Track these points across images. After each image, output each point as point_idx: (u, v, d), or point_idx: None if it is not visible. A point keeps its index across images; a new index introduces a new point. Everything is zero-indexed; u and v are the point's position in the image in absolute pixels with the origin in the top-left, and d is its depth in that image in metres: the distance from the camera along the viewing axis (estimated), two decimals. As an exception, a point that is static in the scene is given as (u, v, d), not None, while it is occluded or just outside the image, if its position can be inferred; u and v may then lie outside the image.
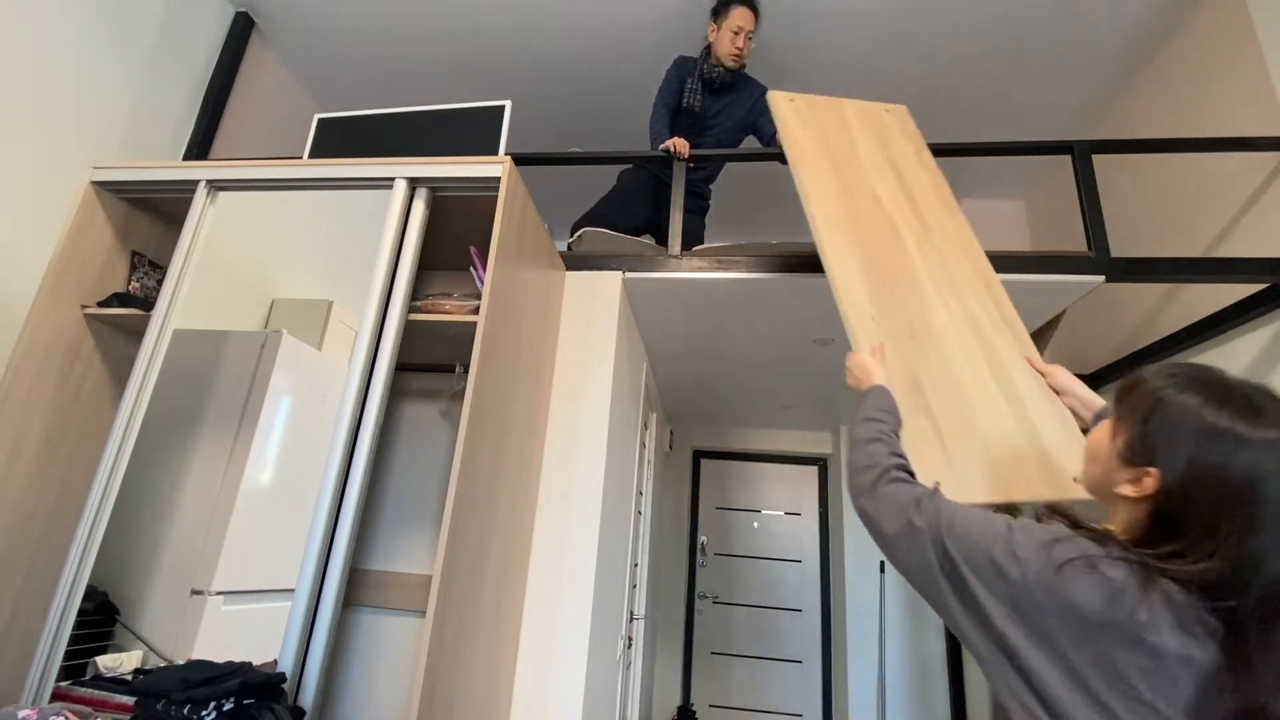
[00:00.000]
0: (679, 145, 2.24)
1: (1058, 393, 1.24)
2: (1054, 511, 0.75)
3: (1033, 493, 1.09)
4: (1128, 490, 0.71)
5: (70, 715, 1.11)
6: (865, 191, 1.56)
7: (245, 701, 1.14)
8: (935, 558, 0.75)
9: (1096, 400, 1.17)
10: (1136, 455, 0.71)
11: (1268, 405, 0.67)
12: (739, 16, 2.34)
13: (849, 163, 1.59)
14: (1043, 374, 1.27)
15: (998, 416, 1.18)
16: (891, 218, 1.52)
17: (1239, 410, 0.66)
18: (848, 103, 1.79)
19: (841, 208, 1.50)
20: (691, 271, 2.12)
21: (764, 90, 2.38)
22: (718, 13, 2.41)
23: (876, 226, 1.49)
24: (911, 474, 0.90)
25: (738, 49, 2.34)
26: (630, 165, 2.66)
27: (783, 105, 1.73)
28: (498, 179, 1.53)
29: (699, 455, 4.84)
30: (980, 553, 0.72)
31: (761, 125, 2.48)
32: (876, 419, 0.99)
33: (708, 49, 2.45)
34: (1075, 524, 0.72)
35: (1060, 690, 0.64)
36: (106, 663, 1.43)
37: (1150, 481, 0.69)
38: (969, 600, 0.72)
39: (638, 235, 2.50)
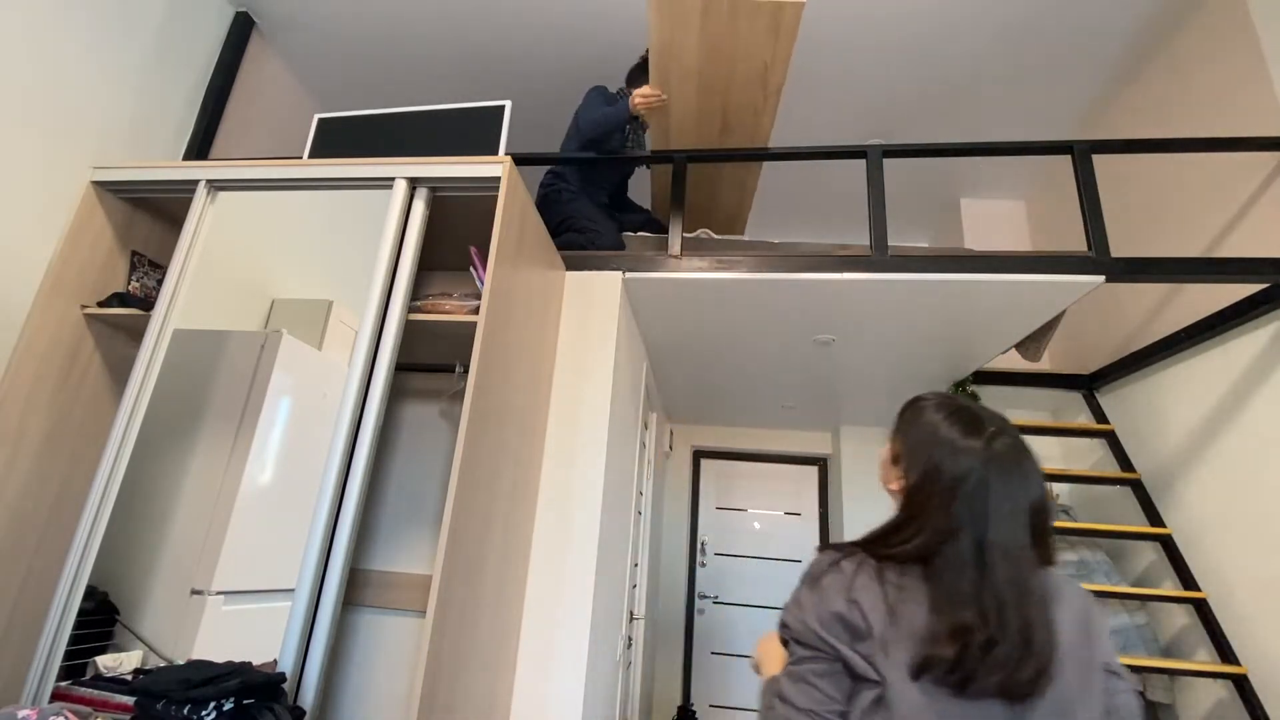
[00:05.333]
0: (644, 95, 2.27)
1: None
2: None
3: None
4: (894, 485, 0.93)
5: (70, 715, 1.11)
6: None
7: (245, 701, 1.14)
8: None
9: None
10: (898, 459, 0.94)
11: (986, 423, 0.88)
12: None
13: None
14: None
15: None
16: None
17: (962, 426, 0.88)
18: None
19: None
20: (691, 271, 2.12)
21: None
22: (633, 80, 2.52)
23: None
24: None
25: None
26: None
27: None
28: (498, 179, 1.53)
29: (699, 455, 4.84)
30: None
31: None
32: None
33: (619, 93, 2.58)
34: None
35: None
36: (106, 663, 1.43)
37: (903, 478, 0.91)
38: None
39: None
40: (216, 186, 1.70)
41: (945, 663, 0.77)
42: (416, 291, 1.56)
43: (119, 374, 1.73)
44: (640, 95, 2.26)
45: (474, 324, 1.42)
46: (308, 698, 1.27)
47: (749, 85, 2.28)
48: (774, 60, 2.16)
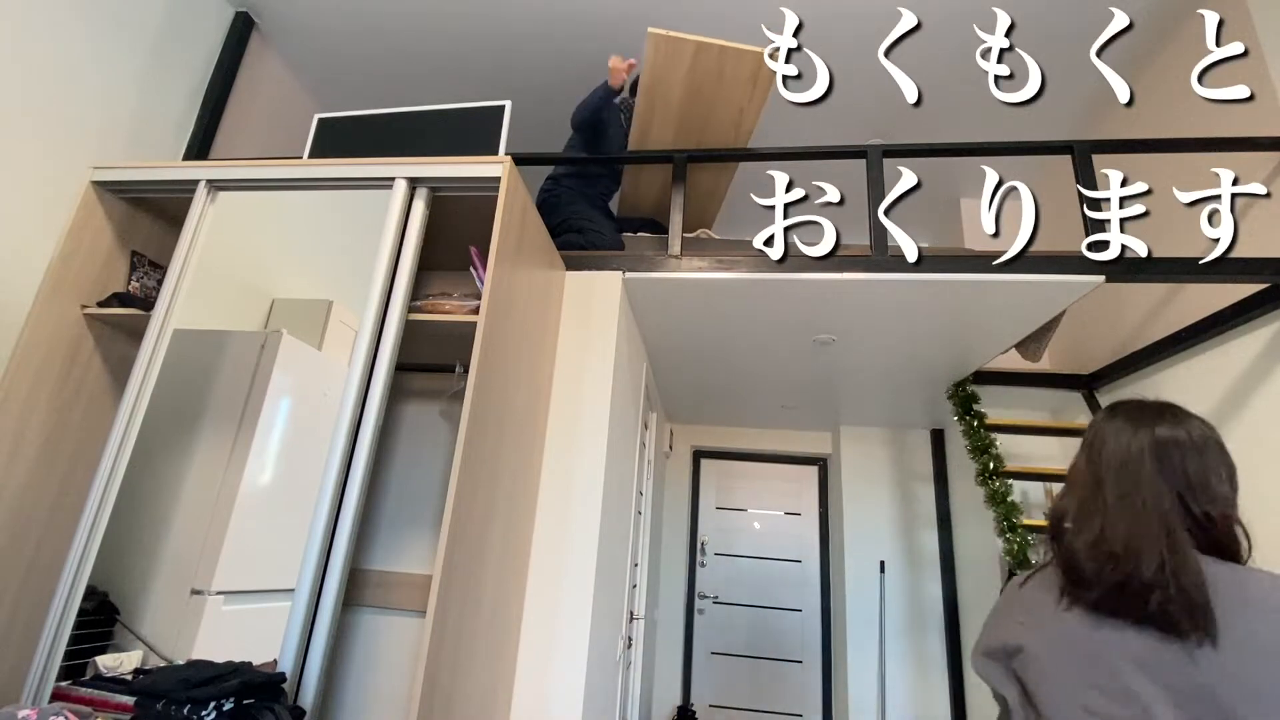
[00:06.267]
0: (621, 65, 2.31)
1: None
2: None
3: None
4: None
5: (70, 715, 1.11)
6: None
7: (245, 701, 1.14)
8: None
9: None
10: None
11: (1122, 402, 0.95)
12: None
13: None
14: None
15: None
16: None
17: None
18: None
19: None
20: (691, 271, 2.12)
21: None
22: (637, 90, 2.52)
23: None
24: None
25: None
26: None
27: None
28: (498, 179, 1.53)
29: (699, 455, 4.84)
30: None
31: None
32: None
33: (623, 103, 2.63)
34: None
35: None
36: (106, 663, 1.43)
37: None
38: None
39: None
40: (216, 186, 1.70)
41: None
42: (416, 291, 1.56)
43: (119, 374, 1.73)
44: (612, 66, 2.29)
45: (474, 324, 1.42)
46: (308, 698, 1.27)
47: (722, 129, 2.46)
48: (748, 108, 2.33)
